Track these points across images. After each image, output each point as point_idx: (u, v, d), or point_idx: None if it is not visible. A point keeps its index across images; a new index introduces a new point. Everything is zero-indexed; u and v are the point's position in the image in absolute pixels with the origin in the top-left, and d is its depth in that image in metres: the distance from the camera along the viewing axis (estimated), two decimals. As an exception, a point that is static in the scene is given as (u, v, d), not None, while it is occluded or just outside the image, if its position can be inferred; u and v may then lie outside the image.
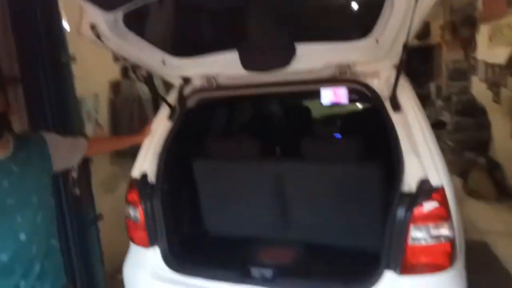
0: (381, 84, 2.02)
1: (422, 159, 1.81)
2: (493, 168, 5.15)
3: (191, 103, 2.37)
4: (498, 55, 4.95)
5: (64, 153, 1.85)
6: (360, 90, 2.05)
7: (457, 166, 5.11)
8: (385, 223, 1.80)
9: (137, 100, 4.02)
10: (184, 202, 2.49)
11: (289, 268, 2.08)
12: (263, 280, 1.91)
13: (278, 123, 3.80)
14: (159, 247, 2.17)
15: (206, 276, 2.01)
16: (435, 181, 1.77)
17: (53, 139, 1.78)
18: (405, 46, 1.68)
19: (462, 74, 6.85)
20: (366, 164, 2.10)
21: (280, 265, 2.07)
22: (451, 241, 1.74)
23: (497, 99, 5.16)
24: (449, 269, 1.74)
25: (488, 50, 5.48)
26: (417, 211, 1.72)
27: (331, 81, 2.09)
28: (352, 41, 1.94)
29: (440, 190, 1.76)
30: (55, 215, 1.84)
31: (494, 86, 5.20)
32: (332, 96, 4.03)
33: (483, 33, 5.65)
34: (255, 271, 1.95)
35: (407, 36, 1.62)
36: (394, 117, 1.92)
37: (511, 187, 4.82)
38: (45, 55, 2.91)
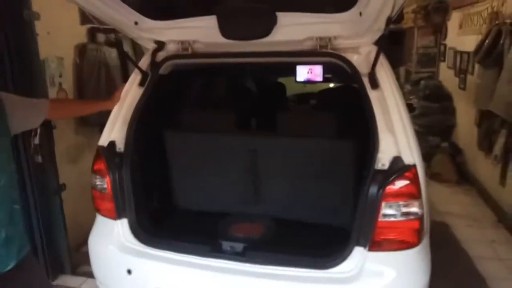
0: (360, 60, 1.99)
1: (396, 137, 1.81)
2: (456, 153, 5.34)
3: (164, 69, 2.27)
4: (467, 43, 5.06)
5: (23, 113, 1.74)
6: (338, 64, 2.02)
7: (421, 150, 5.25)
8: (356, 200, 1.81)
9: (105, 66, 3.82)
10: (155, 173, 2.41)
11: (260, 243, 2.07)
12: (233, 254, 1.89)
13: (254, 97, 3.73)
14: (127, 219, 2.10)
15: (175, 249, 1.96)
16: (408, 159, 1.78)
17: (9, 98, 1.67)
18: (389, 21, 1.66)
19: (431, 60, 6.99)
20: (340, 140, 2.09)
21: (250, 240, 2.06)
22: (420, 219, 1.77)
23: (463, 86, 5.31)
24: (416, 247, 1.78)
25: (458, 37, 5.59)
26: (389, 188, 1.74)
27: (311, 54, 2.04)
28: (335, 13, 1.89)
29: (413, 169, 1.77)
30: (16, 180, 1.76)
31: (461, 73, 5.34)
32: (307, 73, 4.01)
33: (454, 20, 5.75)
34: (226, 245, 1.92)
35: (392, 9, 1.59)
36: (372, 94, 1.91)
37: (471, 172, 5.03)
38: (5, 11, 2.71)
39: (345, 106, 2.33)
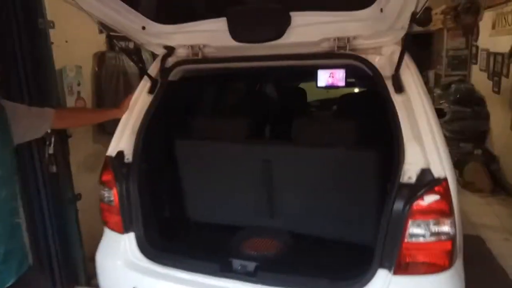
0: (383, 61, 1.82)
1: (424, 146, 1.63)
2: (490, 160, 5.02)
3: (174, 75, 2.16)
4: (501, 44, 4.76)
5: (27, 122, 1.69)
6: (359, 67, 1.85)
7: (452, 157, 4.96)
8: (380, 216, 1.63)
9: (123, 73, 3.78)
10: (164, 184, 2.30)
11: (273, 261, 1.91)
12: (243, 273, 1.75)
13: (270, 104, 3.58)
14: (134, 233, 1.99)
15: (182, 267, 1.84)
16: (438, 171, 1.60)
17: (12, 107, 1.61)
18: (413, 17, 1.48)
19: (462, 62, 6.66)
20: (362, 150, 1.92)
21: (263, 257, 1.91)
22: (452, 239, 1.57)
23: (497, 89, 4.99)
24: (448, 270, 1.58)
25: (491, 38, 5.29)
26: (416, 204, 1.55)
27: (327, 56, 1.89)
28: (353, 10, 1.73)
29: (443, 182, 1.58)
30: (18, 192, 1.69)
31: (495, 75, 5.03)
32: (329, 77, 3.84)
33: (486, 21, 5.44)
34: (236, 264, 1.78)
35: (416, 5, 1.42)
36: (396, 99, 1.73)
37: (506, 180, 4.71)
38: (20, 20, 2.69)
39: (367, 113, 2.16)
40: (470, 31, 6.24)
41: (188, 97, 2.58)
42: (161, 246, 2.00)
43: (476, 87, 5.76)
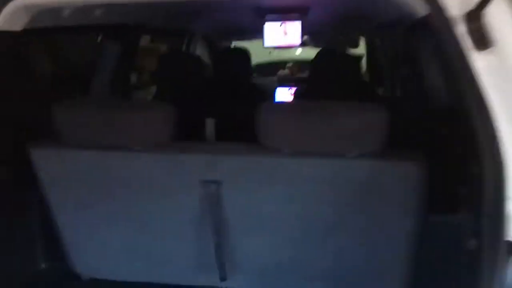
0: None
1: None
2: None
3: (11, 20, 1.05)
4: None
5: None
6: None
7: None
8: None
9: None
10: (21, 218, 1.24)
11: None
12: None
13: (201, 77, 2.27)
14: None
15: None
16: None
17: None
18: None
19: None
20: (390, 159, 1.02)
21: None
22: None
23: None
24: None
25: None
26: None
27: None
28: None
29: None
30: None
31: None
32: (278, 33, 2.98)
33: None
34: None
35: None
36: (478, 61, 0.85)
37: None
38: None
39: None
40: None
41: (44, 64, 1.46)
42: None
43: None
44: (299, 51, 4.25)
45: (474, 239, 0.84)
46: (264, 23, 2.64)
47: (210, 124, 1.10)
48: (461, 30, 0.87)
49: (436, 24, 0.88)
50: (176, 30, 2.57)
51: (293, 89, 3.15)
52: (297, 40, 2.67)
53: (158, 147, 1.09)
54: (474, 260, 0.84)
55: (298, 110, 1.03)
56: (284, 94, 3.26)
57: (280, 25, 2.66)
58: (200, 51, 3.02)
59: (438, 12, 0.87)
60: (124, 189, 1.13)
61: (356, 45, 3.47)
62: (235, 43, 3.58)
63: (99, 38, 1.98)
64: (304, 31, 2.62)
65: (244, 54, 2.50)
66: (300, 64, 3.81)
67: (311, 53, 3.89)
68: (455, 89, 0.91)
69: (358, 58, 2.80)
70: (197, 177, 1.09)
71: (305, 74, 3.60)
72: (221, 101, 1.64)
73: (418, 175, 0.98)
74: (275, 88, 3.27)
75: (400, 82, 2.21)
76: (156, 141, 1.09)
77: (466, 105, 0.86)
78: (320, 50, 2.02)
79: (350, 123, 0.98)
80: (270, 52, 3.95)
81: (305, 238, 1.09)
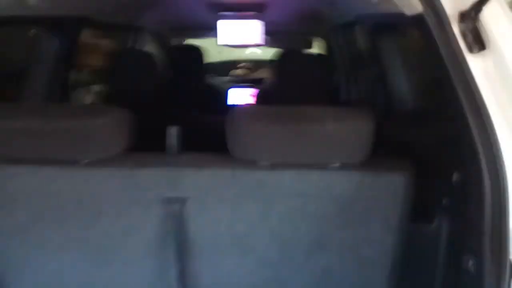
0: None
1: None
2: None
3: None
4: None
5: None
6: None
7: None
8: None
9: None
10: None
11: None
12: None
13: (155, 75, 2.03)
14: None
15: None
16: None
17: None
18: None
19: None
20: (380, 167, 0.94)
21: None
22: None
23: None
24: None
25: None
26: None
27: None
28: None
29: None
30: None
31: None
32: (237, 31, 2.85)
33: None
34: None
35: None
36: (472, 62, 0.79)
37: None
38: None
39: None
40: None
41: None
42: None
43: None
44: (249, 50, 4.14)
45: (472, 258, 0.78)
46: (217, 20, 2.50)
47: (172, 133, 0.95)
48: (455, 30, 0.80)
49: (429, 24, 0.80)
50: (122, 24, 2.35)
51: (251, 90, 3.04)
52: (259, 39, 2.55)
53: (110, 161, 0.93)
54: (473, 281, 0.77)
55: (276, 116, 0.91)
56: (239, 95, 3.14)
57: (235, 23, 2.53)
58: (149, 48, 2.81)
59: (432, 11, 0.79)
60: (69, 210, 0.95)
61: (309, 46, 3.42)
62: (186, 41, 3.39)
63: (34, 32, 1.76)
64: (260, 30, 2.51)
65: (197, 52, 2.35)
66: (253, 63, 3.71)
67: (262, 52, 3.81)
68: (445, 91, 0.84)
69: (326, 59, 2.73)
70: (158, 194, 0.93)
71: (262, 74, 3.51)
72: (183, 105, 1.49)
73: (406, 185, 0.90)
74: (228, 89, 3.14)
75: (364, 85, 2.17)
76: (108, 153, 0.92)
77: (458, 108, 0.80)
78: (285, 50, 1.91)
79: (337, 130, 0.88)
80: (219, 52, 3.80)
81: (284, 258, 0.97)
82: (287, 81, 1.55)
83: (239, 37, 2.54)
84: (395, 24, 1.52)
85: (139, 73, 1.54)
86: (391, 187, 0.90)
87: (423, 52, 1.30)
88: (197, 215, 0.95)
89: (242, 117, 0.92)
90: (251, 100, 2.99)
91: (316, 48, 3.36)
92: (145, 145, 0.96)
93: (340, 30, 2.40)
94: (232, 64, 3.72)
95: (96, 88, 2.87)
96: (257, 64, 3.67)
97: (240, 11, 2.49)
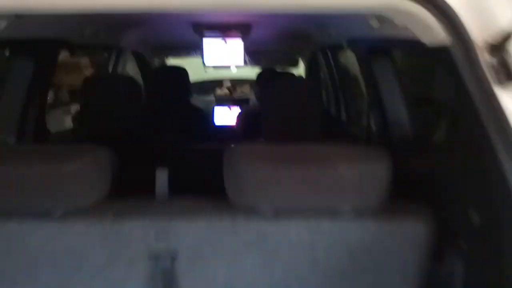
0: (466, 10, 0.74)
1: None
2: None
3: None
4: None
5: None
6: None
7: None
8: None
9: None
10: None
11: None
12: None
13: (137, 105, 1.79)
14: None
15: None
16: None
17: None
18: None
19: None
20: (398, 213, 0.84)
21: None
22: None
23: None
24: None
25: None
26: None
27: None
28: None
29: None
30: None
31: None
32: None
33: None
34: None
35: None
36: (503, 96, 0.72)
37: None
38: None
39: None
40: None
41: None
42: None
43: None
44: (235, 69, 4.08)
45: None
46: (202, 40, 2.41)
47: (162, 176, 0.83)
48: (482, 61, 0.72)
49: (454, 54, 0.72)
50: (102, 45, 2.23)
51: (234, 109, 2.96)
52: (239, 61, 2.47)
53: (88, 211, 0.80)
54: None
55: (281, 157, 0.80)
56: (223, 114, 3.05)
57: (221, 43, 2.45)
58: (130, 68, 2.69)
59: (458, 41, 0.71)
60: (41, 269, 0.82)
61: (295, 64, 3.37)
62: (168, 60, 3.30)
63: (7, 54, 1.63)
64: (245, 50, 2.44)
65: (182, 73, 2.25)
66: (237, 83, 3.64)
67: (248, 71, 3.73)
68: (467, 124, 0.76)
69: (318, 81, 2.65)
70: (145, 247, 0.81)
71: (246, 94, 3.44)
72: (170, 130, 1.36)
73: (427, 233, 0.81)
74: (212, 108, 3.06)
75: (355, 109, 2.10)
76: (85, 202, 0.80)
77: (486, 143, 0.72)
78: (264, 69, 1.83)
79: (350, 174, 0.78)
80: (206, 71, 3.72)
81: None
82: (268, 102, 1.42)
83: (224, 58, 2.46)
84: (391, 49, 1.46)
85: (121, 98, 1.40)
86: (410, 236, 0.81)
87: (426, 79, 1.22)
88: (190, 271, 0.83)
89: (242, 158, 0.81)
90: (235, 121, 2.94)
91: (302, 67, 3.32)
92: (129, 184, 0.85)
93: (329, 51, 2.34)
94: (215, 83, 3.64)
95: (72, 107, 2.73)
96: (240, 83, 3.60)
97: (224, 31, 2.42)
